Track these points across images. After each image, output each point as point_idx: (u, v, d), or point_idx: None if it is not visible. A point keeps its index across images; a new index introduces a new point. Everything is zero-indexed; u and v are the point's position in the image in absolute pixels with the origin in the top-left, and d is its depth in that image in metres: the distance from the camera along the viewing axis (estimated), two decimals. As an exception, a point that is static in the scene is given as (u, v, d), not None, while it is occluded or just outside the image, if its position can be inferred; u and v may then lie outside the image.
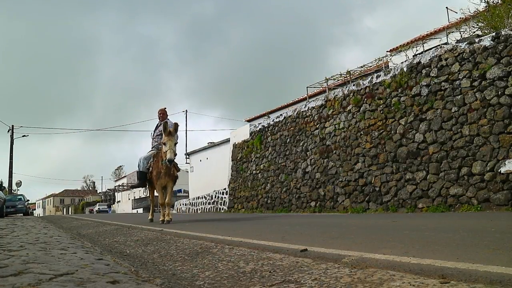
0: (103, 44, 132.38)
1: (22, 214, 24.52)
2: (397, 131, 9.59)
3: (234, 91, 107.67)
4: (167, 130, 6.71)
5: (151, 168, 7.43)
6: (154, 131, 8.06)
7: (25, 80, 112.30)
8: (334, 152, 11.65)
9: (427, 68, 9.09)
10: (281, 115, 15.15)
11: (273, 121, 15.46)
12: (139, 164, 7.82)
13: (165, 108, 8.07)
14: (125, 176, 66.78)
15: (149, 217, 8.29)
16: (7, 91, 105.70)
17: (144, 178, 7.74)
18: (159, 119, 8.01)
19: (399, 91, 9.72)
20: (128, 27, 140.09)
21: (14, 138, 32.61)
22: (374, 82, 10.63)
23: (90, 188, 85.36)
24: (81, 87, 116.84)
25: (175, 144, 6.76)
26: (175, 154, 6.79)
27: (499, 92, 7.53)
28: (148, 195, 8.61)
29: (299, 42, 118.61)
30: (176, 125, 6.89)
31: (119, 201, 58.09)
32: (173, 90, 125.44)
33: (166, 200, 7.15)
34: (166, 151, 6.66)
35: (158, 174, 7.08)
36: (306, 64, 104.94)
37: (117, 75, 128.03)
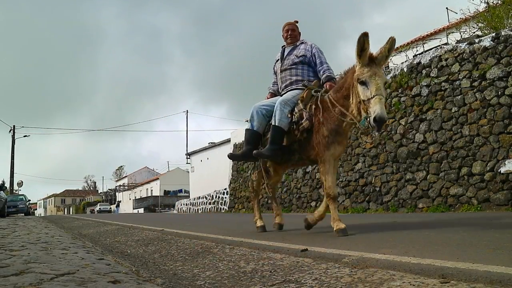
0: (106, 33, 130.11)
1: (23, 214, 24.54)
2: (397, 131, 9.59)
3: (241, 84, 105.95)
4: (366, 54, 3.25)
5: (304, 122, 3.77)
6: (282, 60, 4.47)
7: (23, 74, 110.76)
8: (334, 152, 11.64)
9: (427, 69, 9.09)
10: (281, 115, 15.14)
11: (273, 121, 15.46)
12: (258, 115, 4.28)
13: (296, 21, 4.63)
14: (125, 176, 66.82)
15: (259, 223, 4.68)
16: (3, 85, 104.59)
17: (280, 139, 3.98)
18: (285, 39, 4.55)
19: (399, 91, 9.72)
20: (132, 15, 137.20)
21: (15, 138, 32.64)
22: (374, 82, 10.62)
23: (91, 188, 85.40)
24: (82, 80, 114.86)
25: (385, 84, 3.31)
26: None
27: (499, 92, 7.53)
28: (254, 179, 4.95)
29: (308, 34, 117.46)
30: (391, 40, 3.30)
31: (120, 201, 58.14)
32: (178, 84, 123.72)
33: (331, 185, 3.66)
34: (370, 99, 3.14)
35: (334, 134, 3.62)
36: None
37: (120, 67, 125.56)
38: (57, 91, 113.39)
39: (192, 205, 23.80)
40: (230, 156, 5.18)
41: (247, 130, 4.46)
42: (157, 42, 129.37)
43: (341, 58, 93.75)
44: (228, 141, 20.41)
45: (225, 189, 18.77)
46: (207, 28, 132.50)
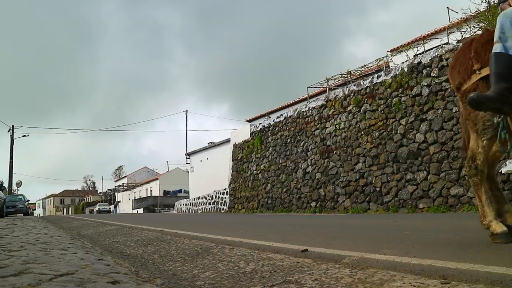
0: (106, 28, 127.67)
1: (22, 214, 24.51)
2: (398, 131, 9.58)
3: (243, 82, 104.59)
4: None
5: None
6: None
7: (21, 72, 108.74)
8: (334, 152, 11.65)
9: (428, 68, 9.09)
10: (281, 115, 15.15)
11: (273, 121, 15.46)
12: None
13: None
14: (125, 176, 66.84)
15: (499, 229, 2.43)
16: (2, 84, 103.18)
17: None
18: None
19: (400, 91, 9.72)
20: (133, 9, 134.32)
21: (14, 138, 32.66)
22: (374, 82, 10.62)
23: (90, 188, 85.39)
24: (81, 77, 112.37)
25: None
26: None
27: (500, 92, 7.53)
28: (481, 150, 2.80)
29: (312, 31, 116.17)
30: None
31: (119, 201, 58.15)
32: (179, 81, 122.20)
33: None
34: None
35: None
36: (317, 54, 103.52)
37: (120, 64, 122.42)
38: (56, 89, 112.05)
39: (192, 205, 23.80)
40: (474, 99, 2.36)
41: (496, 55, 2.42)
42: (158, 38, 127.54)
43: (345, 56, 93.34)
44: (228, 141, 20.41)
45: (225, 189, 18.77)
46: (209, 23, 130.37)
